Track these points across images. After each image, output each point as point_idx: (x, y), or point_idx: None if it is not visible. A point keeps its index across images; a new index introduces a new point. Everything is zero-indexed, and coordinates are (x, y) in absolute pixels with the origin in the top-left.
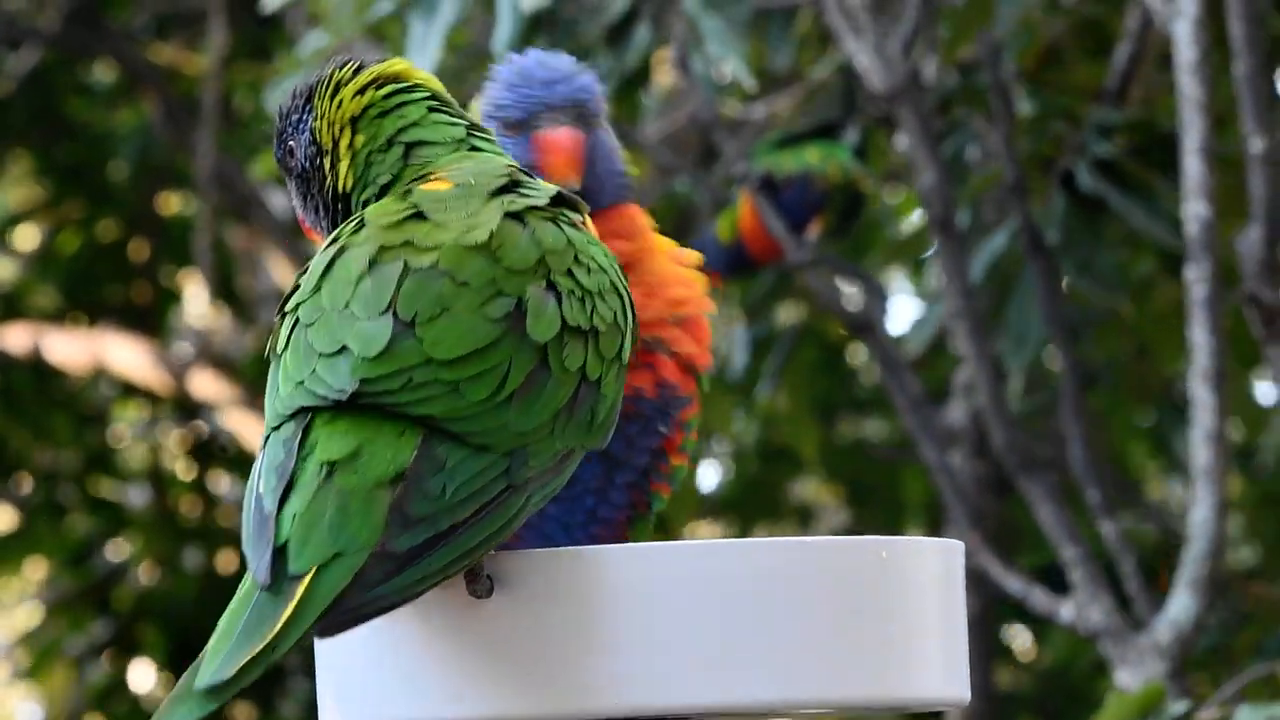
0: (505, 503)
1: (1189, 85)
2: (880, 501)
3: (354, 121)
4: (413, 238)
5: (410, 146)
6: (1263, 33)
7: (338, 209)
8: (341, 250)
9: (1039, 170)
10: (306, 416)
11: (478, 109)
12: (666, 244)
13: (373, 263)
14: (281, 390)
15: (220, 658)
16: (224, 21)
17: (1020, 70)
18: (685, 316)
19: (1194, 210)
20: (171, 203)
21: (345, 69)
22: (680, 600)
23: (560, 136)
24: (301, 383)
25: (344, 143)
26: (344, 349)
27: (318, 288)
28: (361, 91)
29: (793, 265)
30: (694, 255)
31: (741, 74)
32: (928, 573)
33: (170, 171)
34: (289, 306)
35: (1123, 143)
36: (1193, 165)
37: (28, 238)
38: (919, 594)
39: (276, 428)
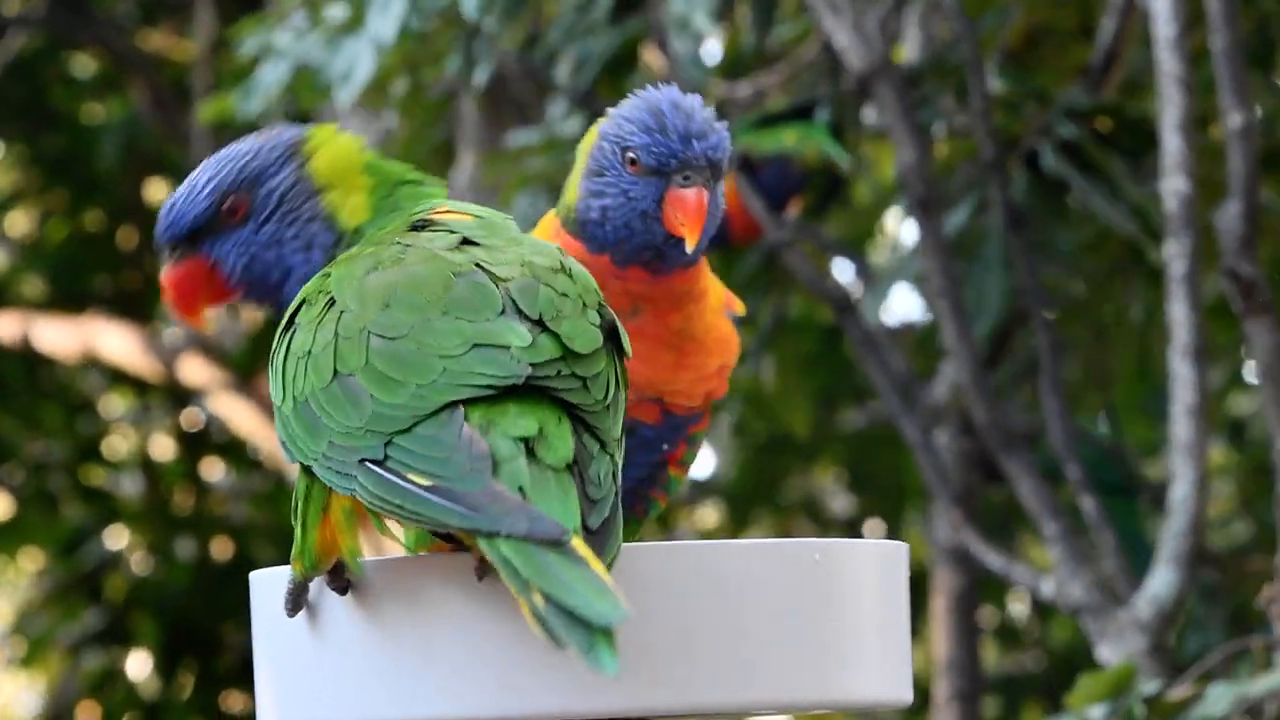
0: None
1: (1168, 61)
2: (882, 486)
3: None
4: (478, 258)
5: (411, 185)
6: (1239, 8)
7: (340, 239)
8: (379, 271)
9: (1005, 152)
10: (457, 409)
11: (594, 134)
12: (717, 292)
13: (456, 274)
14: (389, 399)
15: (596, 596)
16: (211, 7)
17: (1007, 49)
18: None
19: (1173, 186)
20: (161, 191)
21: (322, 130)
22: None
23: (691, 198)
24: (434, 381)
25: (354, 183)
26: (491, 345)
27: (386, 305)
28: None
29: (773, 245)
30: (738, 303)
31: (704, 26)
32: (866, 575)
33: (158, 159)
34: (320, 328)
35: (1091, 127)
36: (1172, 141)
37: (15, 225)
38: (856, 596)
39: (409, 428)
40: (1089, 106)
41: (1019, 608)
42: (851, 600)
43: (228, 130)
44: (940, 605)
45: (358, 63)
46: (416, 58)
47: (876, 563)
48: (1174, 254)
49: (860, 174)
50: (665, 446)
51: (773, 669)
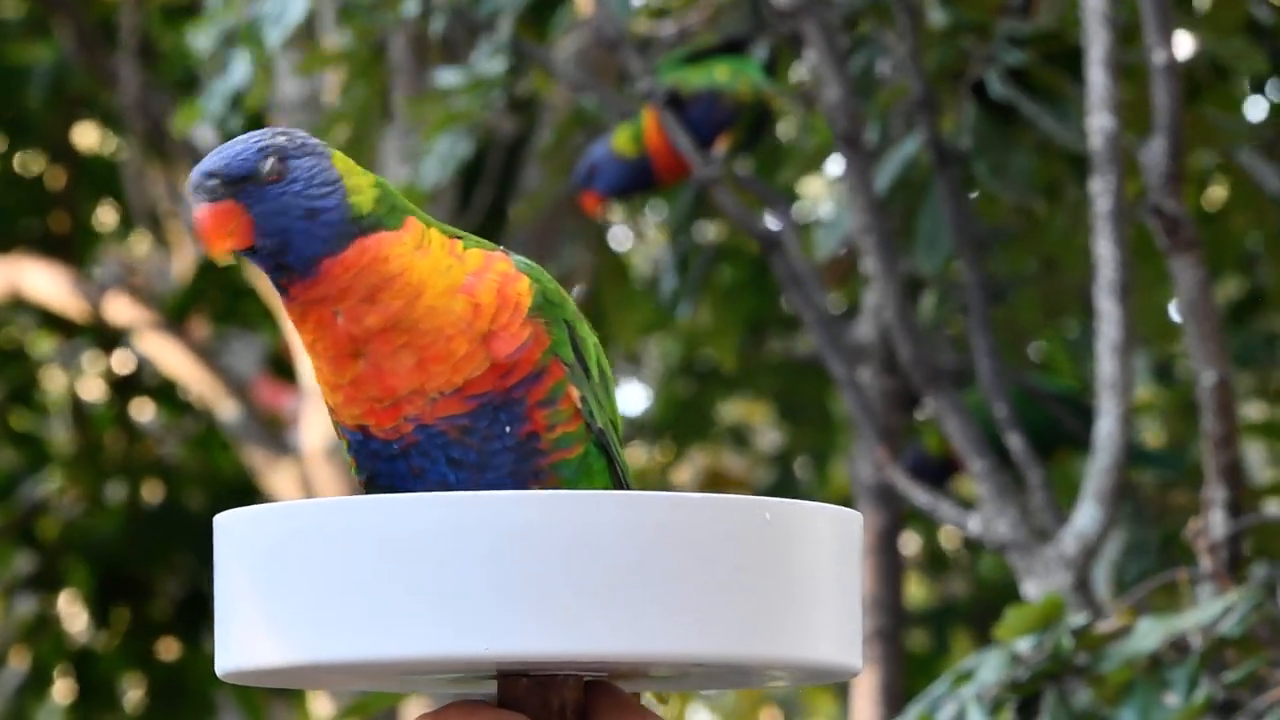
0: None
1: None
2: (811, 418)
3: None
4: None
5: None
6: None
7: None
8: None
9: (949, 84)
10: None
11: None
12: (430, 263)
13: None
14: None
15: None
16: None
17: None
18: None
19: (1099, 123)
20: (88, 134)
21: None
22: (555, 548)
23: (194, 219)
24: None
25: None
26: None
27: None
28: None
29: (701, 181)
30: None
31: None
32: (819, 539)
33: (86, 101)
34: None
35: (1033, 53)
36: (1097, 77)
37: None
38: (807, 559)
39: None
40: (1030, 34)
41: (948, 539)
42: (803, 562)
43: (165, 77)
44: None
45: (289, 6)
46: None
47: (832, 527)
48: (1099, 190)
49: (795, 109)
50: (506, 430)
51: (719, 623)
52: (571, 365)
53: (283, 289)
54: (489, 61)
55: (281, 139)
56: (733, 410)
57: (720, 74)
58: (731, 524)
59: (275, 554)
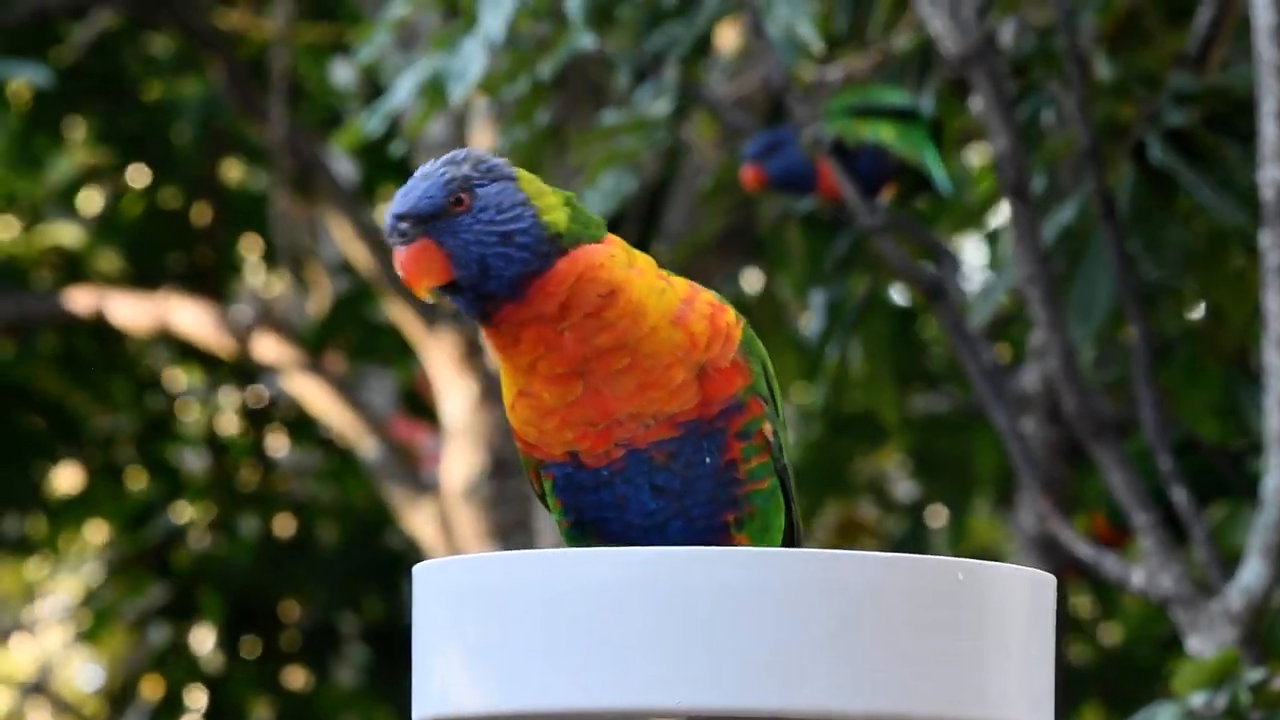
0: None
1: (1266, 49)
2: (950, 473)
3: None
4: None
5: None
6: None
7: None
8: None
9: (1112, 141)
10: None
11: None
12: (646, 283)
13: None
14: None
15: None
16: None
17: (1099, 35)
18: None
19: (1270, 175)
20: (234, 170)
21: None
22: (757, 604)
23: (398, 261)
24: None
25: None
26: None
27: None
28: None
29: (864, 230)
30: (700, 301)
31: (810, 37)
32: (1011, 600)
33: (234, 138)
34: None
35: (1199, 111)
36: (1269, 129)
37: (91, 202)
38: (999, 620)
39: None
40: (1198, 89)
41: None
42: (995, 623)
43: (309, 115)
44: None
45: (471, 61)
46: (530, 56)
47: (1025, 589)
48: (1269, 244)
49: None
50: (708, 460)
51: (913, 681)
52: (768, 401)
53: (487, 317)
54: (655, 102)
55: (465, 168)
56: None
57: (885, 133)
58: (927, 584)
59: (480, 604)
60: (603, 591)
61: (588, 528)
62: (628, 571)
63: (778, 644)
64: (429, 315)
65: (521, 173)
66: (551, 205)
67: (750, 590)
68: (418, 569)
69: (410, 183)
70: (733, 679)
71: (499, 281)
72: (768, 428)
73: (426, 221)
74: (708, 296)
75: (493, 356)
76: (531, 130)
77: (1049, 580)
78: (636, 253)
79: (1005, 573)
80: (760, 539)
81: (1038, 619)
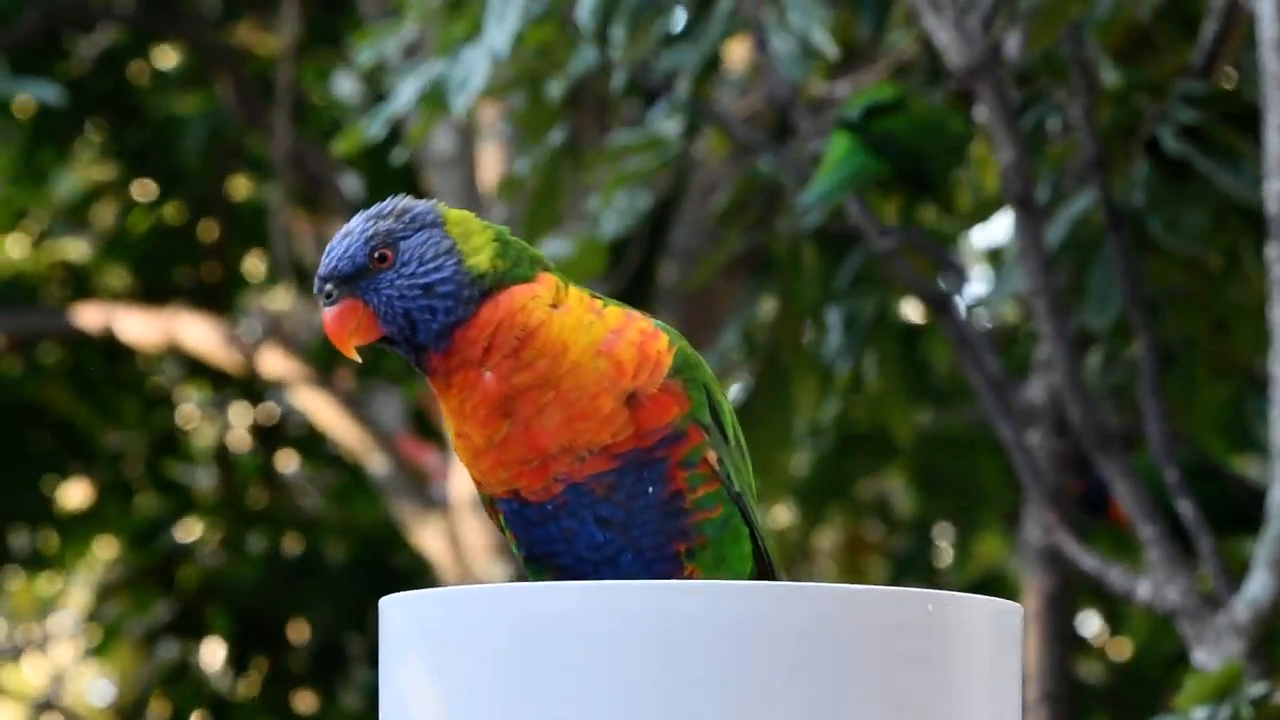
0: None
1: (1271, 62)
2: (953, 490)
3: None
4: None
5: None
6: None
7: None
8: None
9: (1121, 141)
10: None
11: None
12: (572, 319)
13: None
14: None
15: None
16: (296, 2)
17: (1105, 48)
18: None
19: (1276, 188)
20: (241, 186)
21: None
22: (718, 638)
23: (324, 319)
24: None
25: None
26: None
27: None
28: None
29: (879, 252)
30: (632, 327)
31: (824, 43)
32: (978, 630)
33: (240, 154)
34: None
35: (1209, 112)
36: (1275, 142)
37: (98, 217)
38: (966, 650)
39: None
40: (1205, 93)
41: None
42: (961, 653)
43: (310, 129)
44: (1031, 607)
45: (473, 71)
46: (536, 71)
47: (990, 619)
48: (1275, 257)
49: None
50: (650, 490)
51: (880, 713)
52: (709, 429)
53: (423, 368)
54: (666, 120)
55: (388, 222)
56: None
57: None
58: (894, 615)
59: (444, 637)
60: (567, 624)
61: (540, 561)
62: (588, 600)
63: (742, 677)
64: None
65: (450, 215)
66: (478, 247)
67: (715, 622)
68: (384, 602)
69: (334, 241)
70: (695, 715)
71: (426, 334)
72: (712, 455)
73: (350, 281)
74: (642, 325)
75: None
76: (547, 151)
77: (1016, 610)
78: (571, 288)
79: (973, 603)
80: (715, 569)
81: (1004, 649)
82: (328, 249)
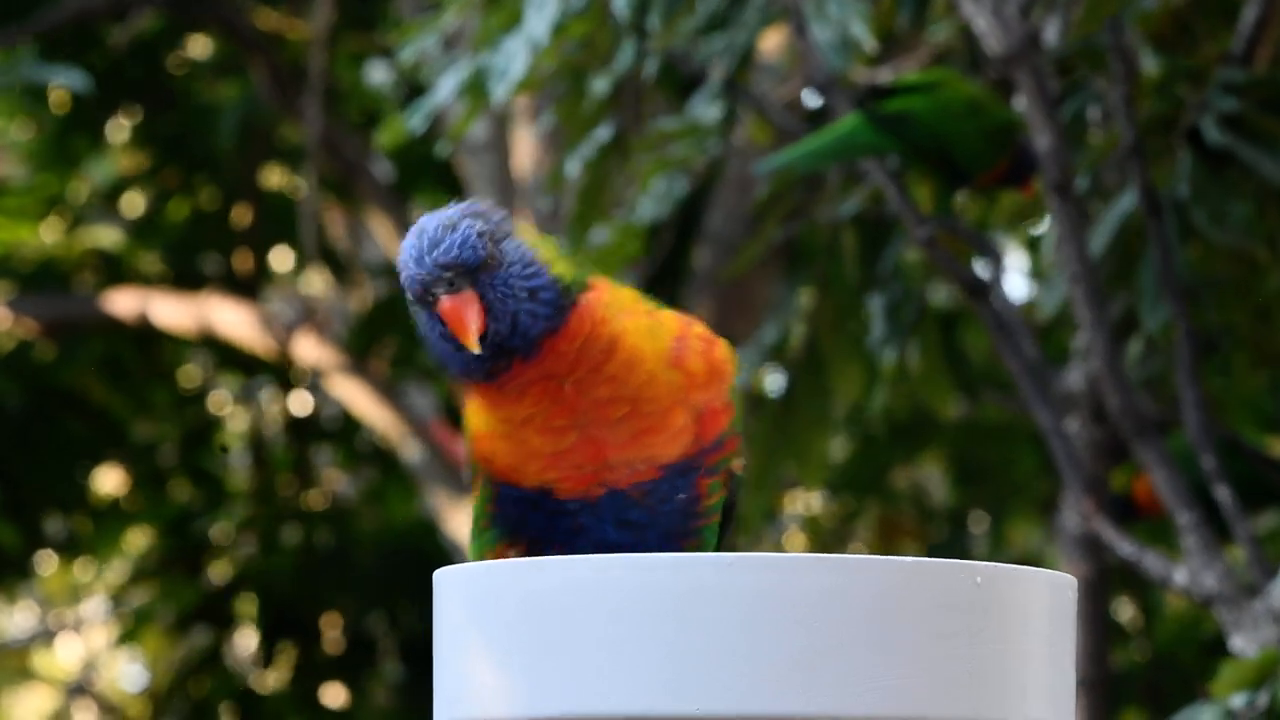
0: None
1: None
2: (988, 478)
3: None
4: None
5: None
6: None
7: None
8: None
9: (1162, 131)
10: None
11: None
12: (639, 326)
13: None
14: None
15: None
16: None
17: (1144, 36)
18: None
19: None
20: (274, 174)
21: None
22: (763, 610)
23: (448, 311)
24: None
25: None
26: None
27: None
28: None
29: (918, 241)
30: (689, 350)
31: (862, 36)
32: (1030, 602)
33: (273, 140)
34: None
35: (1250, 100)
36: None
37: (132, 205)
38: (1019, 622)
39: None
40: (1246, 81)
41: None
42: (1014, 625)
43: (343, 115)
44: None
45: (514, 60)
46: (579, 65)
47: (1044, 591)
48: None
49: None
50: (680, 496)
51: (932, 684)
52: (743, 438)
53: (493, 376)
54: (706, 107)
55: (483, 222)
56: (907, 470)
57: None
58: (943, 587)
59: (503, 609)
60: (624, 597)
61: (517, 539)
62: (649, 576)
63: (795, 649)
64: None
65: (519, 224)
66: (554, 257)
67: (774, 597)
68: (439, 574)
69: (432, 230)
70: (755, 685)
71: (522, 339)
72: (738, 464)
73: (471, 273)
74: (698, 330)
75: (470, 405)
76: (596, 147)
77: (1069, 581)
78: (621, 289)
79: (1024, 575)
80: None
81: (1058, 620)
82: (435, 238)
